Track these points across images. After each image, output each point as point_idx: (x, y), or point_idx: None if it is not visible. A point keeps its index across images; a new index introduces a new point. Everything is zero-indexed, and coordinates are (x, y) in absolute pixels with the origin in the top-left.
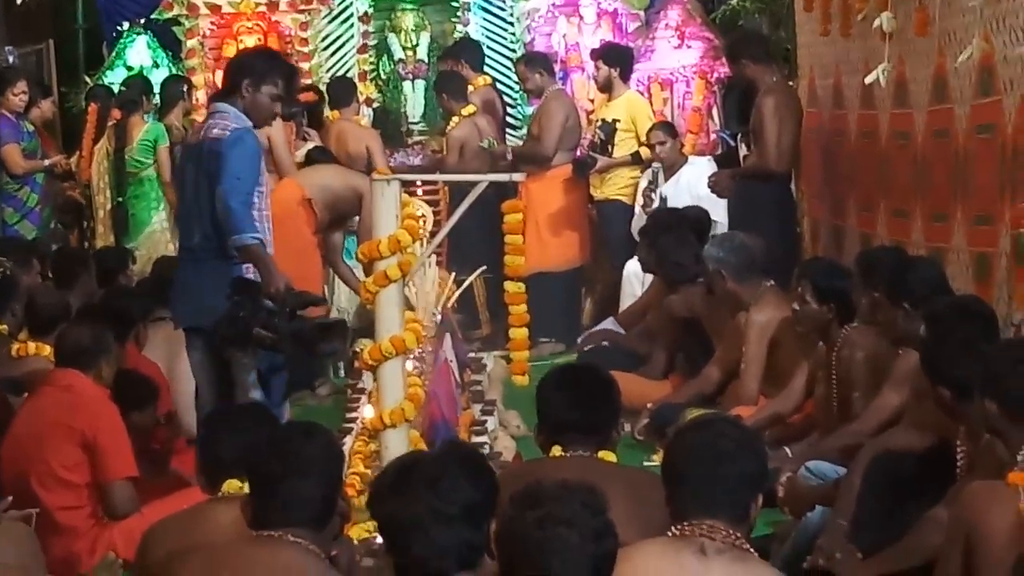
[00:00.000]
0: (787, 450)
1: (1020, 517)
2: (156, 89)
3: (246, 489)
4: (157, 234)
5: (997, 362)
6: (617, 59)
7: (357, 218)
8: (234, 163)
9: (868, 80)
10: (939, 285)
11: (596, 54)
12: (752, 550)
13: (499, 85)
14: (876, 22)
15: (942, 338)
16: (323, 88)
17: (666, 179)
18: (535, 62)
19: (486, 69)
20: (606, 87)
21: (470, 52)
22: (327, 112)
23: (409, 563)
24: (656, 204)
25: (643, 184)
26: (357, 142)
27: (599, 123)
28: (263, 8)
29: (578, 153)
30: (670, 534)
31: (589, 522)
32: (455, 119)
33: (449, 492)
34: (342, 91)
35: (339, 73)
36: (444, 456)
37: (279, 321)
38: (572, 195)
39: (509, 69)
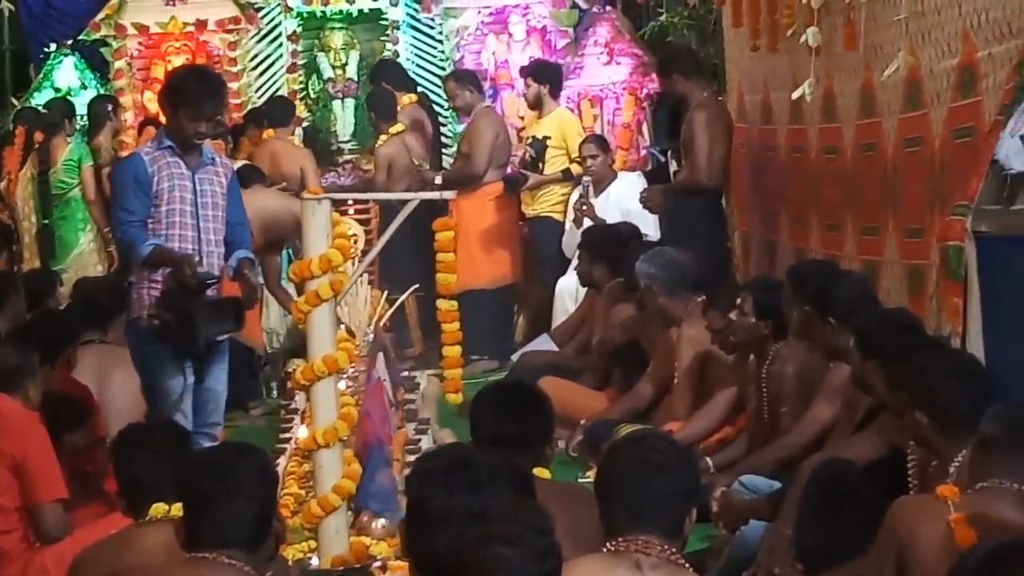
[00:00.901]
0: (708, 460)
1: (950, 530)
2: (81, 111)
3: (172, 512)
4: (85, 255)
5: (927, 375)
6: (547, 76)
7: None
8: (113, 190)
9: (794, 95)
10: (866, 299)
11: (526, 71)
12: (687, 565)
13: (430, 103)
14: (802, 37)
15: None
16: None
17: (596, 194)
18: (464, 79)
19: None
20: (536, 104)
21: (392, 73)
22: (265, 132)
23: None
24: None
25: (574, 198)
26: (291, 162)
27: (530, 140)
28: (191, 28)
29: (509, 170)
30: (605, 550)
31: (533, 542)
32: (383, 137)
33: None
34: (280, 110)
35: (268, 93)
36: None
37: (185, 301)
38: (503, 212)
39: (439, 87)
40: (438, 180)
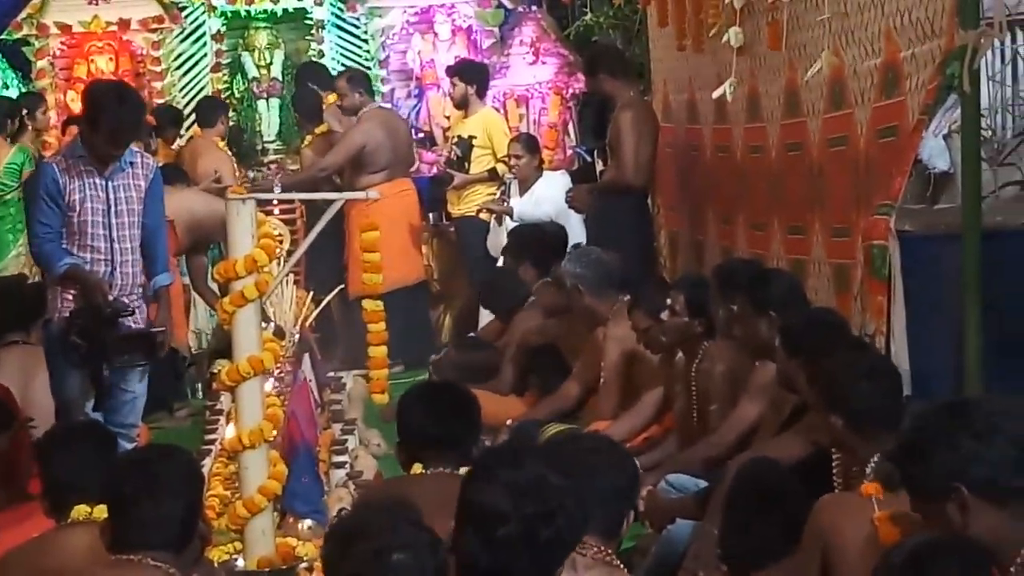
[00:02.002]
0: (635, 460)
1: (874, 528)
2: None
3: (95, 514)
4: (23, 256)
5: (838, 378)
6: (473, 76)
7: None
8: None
9: (716, 95)
10: (798, 294)
11: (452, 71)
12: (621, 566)
13: None
14: (725, 37)
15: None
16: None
17: (520, 194)
18: (356, 81)
19: None
20: (462, 104)
21: (316, 73)
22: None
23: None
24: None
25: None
26: (207, 162)
27: (455, 140)
28: (114, 28)
29: (435, 170)
30: None
31: (420, 538)
32: (308, 137)
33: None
34: (207, 110)
35: (192, 93)
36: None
37: (95, 329)
38: (391, 215)
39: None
40: (276, 189)
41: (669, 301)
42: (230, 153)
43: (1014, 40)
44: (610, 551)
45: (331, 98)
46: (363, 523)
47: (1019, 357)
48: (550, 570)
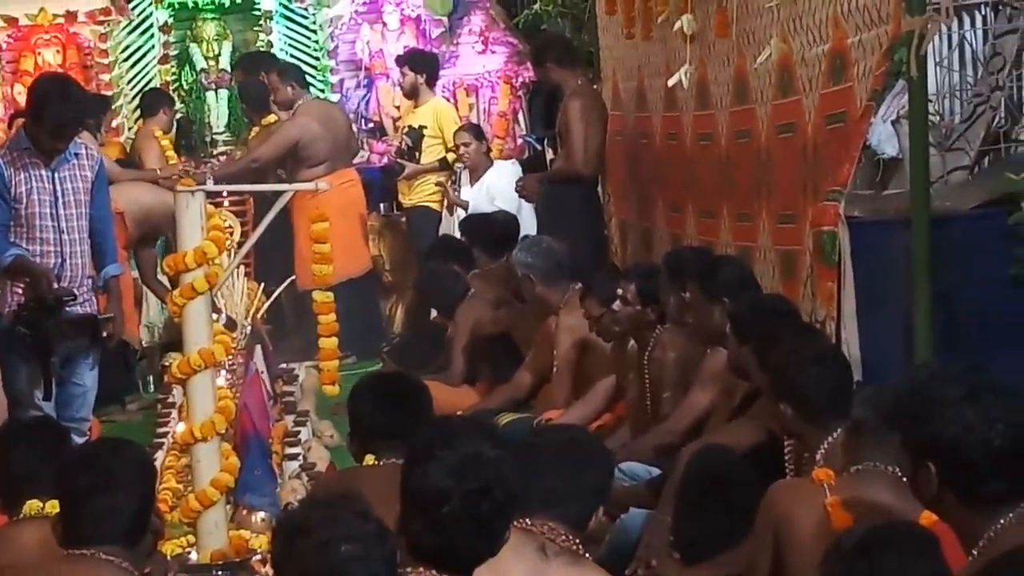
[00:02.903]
0: (611, 455)
1: (826, 514)
2: None
3: (47, 509)
4: None
5: (787, 365)
6: (423, 65)
7: None
8: None
9: (671, 82)
10: (749, 280)
11: (402, 60)
12: (588, 556)
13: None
14: (677, 24)
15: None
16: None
17: (471, 182)
18: (286, 74)
19: None
20: (412, 93)
21: (263, 63)
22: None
23: None
24: (458, 207)
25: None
26: (137, 150)
27: (406, 129)
28: (61, 20)
29: (386, 159)
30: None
31: (367, 528)
32: (256, 129)
33: None
34: (147, 101)
35: (140, 84)
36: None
37: (40, 319)
38: (332, 207)
39: (313, 77)
40: (209, 182)
41: (620, 290)
42: (172, 143)
43: (961, 25)
44: (578, 540)
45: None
46: (310, 516)
47: (968, 341)
48: (495, 541)
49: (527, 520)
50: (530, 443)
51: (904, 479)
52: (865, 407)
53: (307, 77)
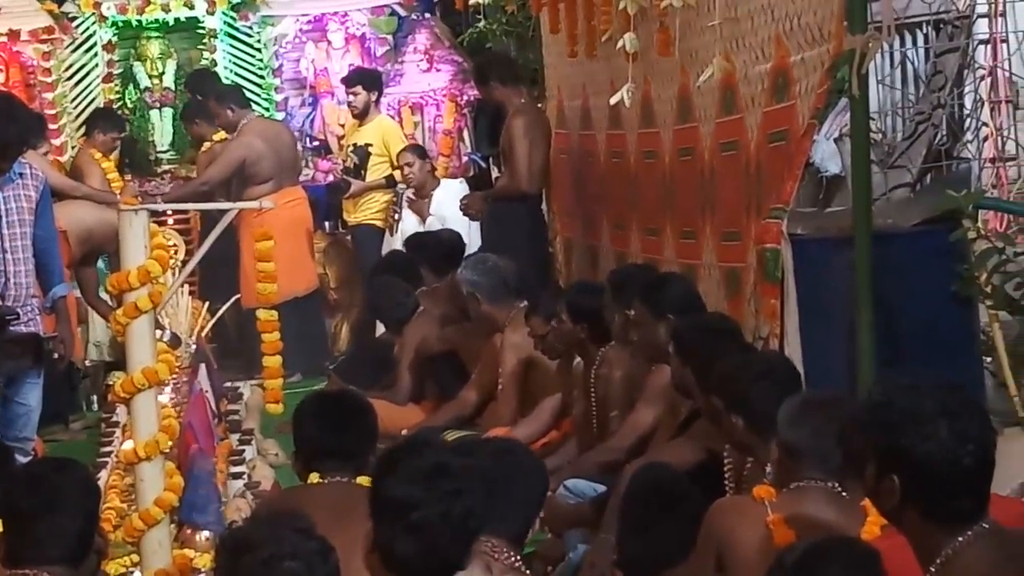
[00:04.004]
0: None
1: (769, 532)
2: None
3: None
4: None
5: (739, 378)
6: (374, 84)
7: None
8: None
9: (613, 100)
10: (694, 298)
11: (352, 80)
12: (528, 572)
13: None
14: (620, 43)
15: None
16: None
17: (418, 200)
18: (223, 98)
19: None
20: (364, 112)
21: (207, 82)
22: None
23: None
24: (399, 228)
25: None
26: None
27: (351, 148)
28: (3, 38)
29: (331, 177)
30: None
31: (308, 546)
32: (206, 144)
33: None
34: (89, 121)
35: (84, 103)
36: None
37: None
38: (278, 226)
39: (258, 95)
40: (160, 200)
41: (558, 309)
42: (117, 163)
43: (903, 44)
44: (518, 557)
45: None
46: (253, 534)
47: (911, 357)
48: (470, 543)
49: None
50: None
51: (844, 494)
52: (796, 428)
53: (252, 95)
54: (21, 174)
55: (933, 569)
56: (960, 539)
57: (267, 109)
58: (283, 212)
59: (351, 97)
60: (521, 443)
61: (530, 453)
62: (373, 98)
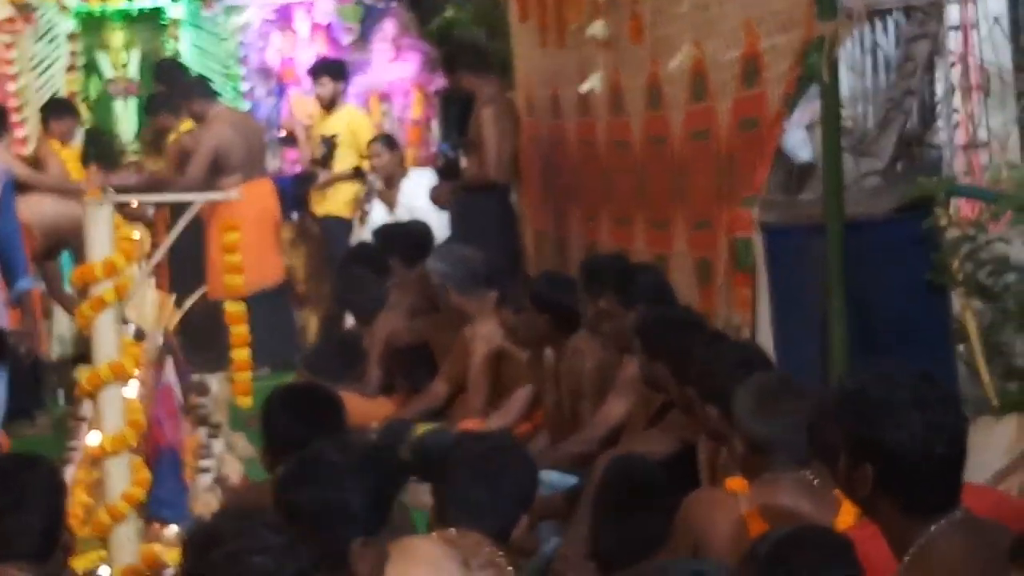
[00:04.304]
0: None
1: (743, 525)
2: None
3: None
4: None
5: (714, 368)
6: (341, 73)
7: None
8: None
9: (583, 89)
10: (664, 289)
11: (320, 70)
12: (511, 568)
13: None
14: (589, 31)
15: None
16: None
17: (388, 187)
18: (190, 90)
19: None
20: (332, 103)
21: (172, 73)
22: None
23: None
24: (369, 219)
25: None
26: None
27: (321, 139)
28: None
29: (301, 167)
30: (436, 535)
31: (275, 541)
32: (172, 135)
33: None
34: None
35: (47, 94)
36: None
37: None
38: (248, 217)
39: (225, 85)
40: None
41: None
42: (81, 153)
43: (873, 30)
44: (501, 553)
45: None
46: (219, 528)
47: (884, 346)
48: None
49: (452, 531)
50: (451, 453)
51: (816, 482)
52: (760, 420)
53: (217, 86)
54: None
55: (906, 558)
56: (933, 528)
57: (233, 99)
58: (252, 203)
59: (318, 88)
60: (514, 439)
61: (519, 448)
62: (340, 88)
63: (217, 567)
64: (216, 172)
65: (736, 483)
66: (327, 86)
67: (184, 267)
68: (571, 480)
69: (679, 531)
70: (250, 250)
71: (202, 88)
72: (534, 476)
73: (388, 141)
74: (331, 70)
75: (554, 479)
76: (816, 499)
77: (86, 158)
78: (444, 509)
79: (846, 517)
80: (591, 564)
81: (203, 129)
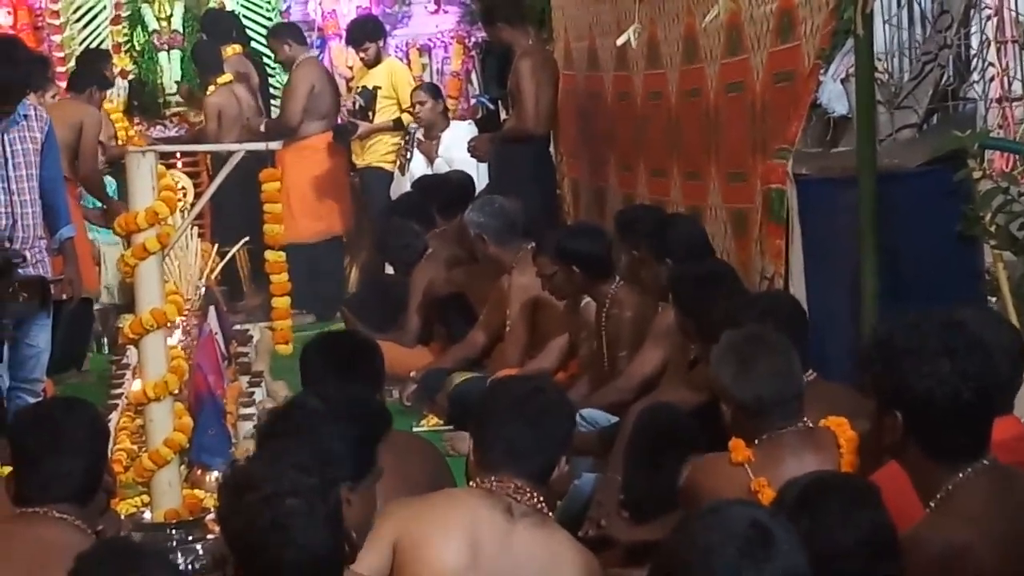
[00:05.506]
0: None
1: (753, 494)
2: None
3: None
4: None
5: (744, 318)
6: (377, 32)
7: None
8: None
9: (619, 42)
10: (698, 240)
11: (359, 39)
12: (551, 514)
13: (257, 54)
14: None
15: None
16: None
17: (427, 138)
18: (280, 34)
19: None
20: (376, 62)
21: (214, 24)
22: None
23: None
24: (408, 169)
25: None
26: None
27: (359, 89)
28: None
29: (339, 120)
30: (475, 485)
31: (308, 483)
32: (211, 88)
33: None
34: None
35: (92, 45)
36: None
37: None
38: (326, 165)
39: (266, 37)
40: (262, 128)
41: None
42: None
43: None
44: (542, 499)
45: (229, 50)
46: (253, 472)
47: (915, 298)
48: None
49: (492, 479)
50: (489, 396)
51: (812, 427)
52: (744, 384)
53: (260, 37)
54: (26, 116)
55: (933, 504)
56: (960, 475)
57: (273, 52)
58: (328, 153)
59: (361, 53)
60: (551, 381)
61: (557, 389)
62: (381, 45)
63: (251, 511)
64: (307, 114)
65: (740, 454)
66: (370, 49)
67: (226, 217)
68: (613, 420)
69: (687, 499)
70: (327, 197)
71: (292, 34)
72: (572, 417)
73: (432, 90)
74: (369, 33)
75: (597, 417)
76: (818, 446)
77: (130, 110)
78: (484, 454)
79: (849, 457)
80: (624, 511)
81: (296, 71)
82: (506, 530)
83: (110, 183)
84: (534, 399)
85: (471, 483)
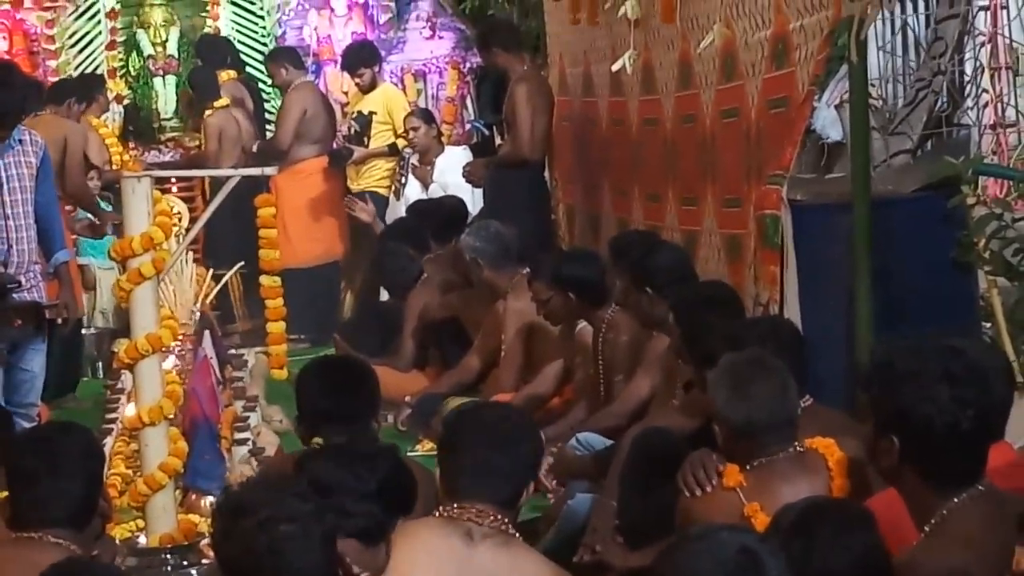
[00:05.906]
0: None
1: (747, 520)
2: None
3: None
4: None
5: (742, 341)
6: (372, 58)
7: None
8: None
9: (615, 67)
10: (681, 270)
11: (355, 64)
12: (517, 534)
13: (252, 79)
14: (621, 10)
15: (697, 323)
16: None
17: (421, 163)
18: (278, 58)
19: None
20: (371, 87)
21: (210, 50)
22: None
23: None
24: (403, 194)
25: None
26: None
27: (354, 115)
28: (7, 6)
29: (335, 145)
30: (437, 515)
31: (304, 509)
32: (209, 111)
33: None
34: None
35: (87, 70)
36: None
37: None
38: (321, 188)
39: (261, 63)
40: (254, 149)
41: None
42: (119, 129)
43: (903, 10)
44: (507, 520)
45: (224, 75)
46: (248, 497)
47: (909, 324)
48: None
49: (453, 505)
50: (454, 423)
51: (802, 451)
52: (737, 407)
53: (255, 62)
54: (21, 140)
55: (927, 528)
56: (955, 500)
57: (270, 76)
58: (323, 178)
59: (356, 79)
60: (518, 409)
61: (525, 419)
62: (376, 70)
63: (246, 535)
64: (300, 139)
65: (732, 479)
66: (365, 74)
67: (221, 242)
68: (610, 443)
69: (680, 529)
70: (323, 222)
71: (294, 58)
72: (538, 441)
73: (426, 115)
74: (365, 59)
75: (593, 441)
76: (810, 471)
77: (125, 135)
78: (451, 481)
79: (840, 481)
80: (619, 536)
81: (290, 95)
82: (465, 555)
83: (106, 209)
84: (500, 425)
85: (435, 512)
